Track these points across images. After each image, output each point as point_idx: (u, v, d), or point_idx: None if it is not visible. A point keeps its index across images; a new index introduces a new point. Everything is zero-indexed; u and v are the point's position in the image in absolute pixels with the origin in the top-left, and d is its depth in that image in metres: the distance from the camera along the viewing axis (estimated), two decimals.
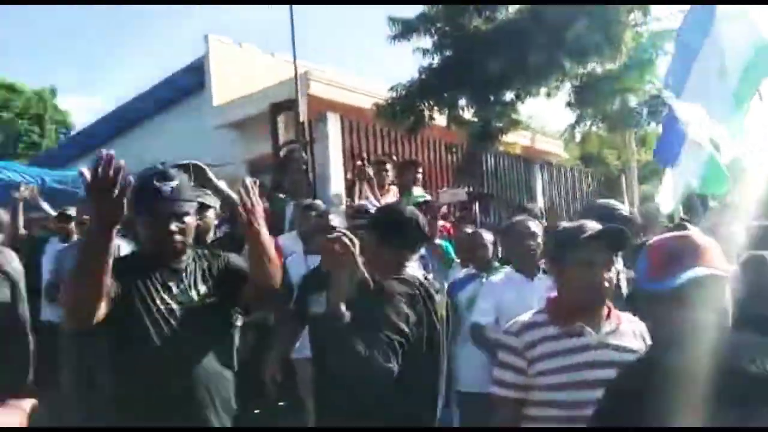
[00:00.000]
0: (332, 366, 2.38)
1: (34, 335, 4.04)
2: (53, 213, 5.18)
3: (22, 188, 4.96)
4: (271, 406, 4.21)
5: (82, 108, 47.49)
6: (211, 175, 2.85)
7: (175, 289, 1.94)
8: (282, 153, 6.08)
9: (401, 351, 1.96)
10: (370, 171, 4.78)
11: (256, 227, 1.89)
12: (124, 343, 1.91)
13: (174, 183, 1.92)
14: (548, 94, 7.77)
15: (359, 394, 2.10)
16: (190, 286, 1.97)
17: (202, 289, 1.99)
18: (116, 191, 1.54)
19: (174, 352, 1.87)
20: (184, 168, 2.45)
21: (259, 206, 1.91)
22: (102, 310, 1.76)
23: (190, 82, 10.85)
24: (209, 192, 3.04)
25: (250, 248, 1.95)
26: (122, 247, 4.14)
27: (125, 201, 1.58)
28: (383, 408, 2.06)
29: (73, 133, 19.06)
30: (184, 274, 1.98)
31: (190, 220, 2.00)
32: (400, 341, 1.96)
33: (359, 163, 5.02)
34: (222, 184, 2.96)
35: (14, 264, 3.41)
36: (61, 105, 25.75)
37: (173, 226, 1.92)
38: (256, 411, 4.23)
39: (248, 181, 1.91)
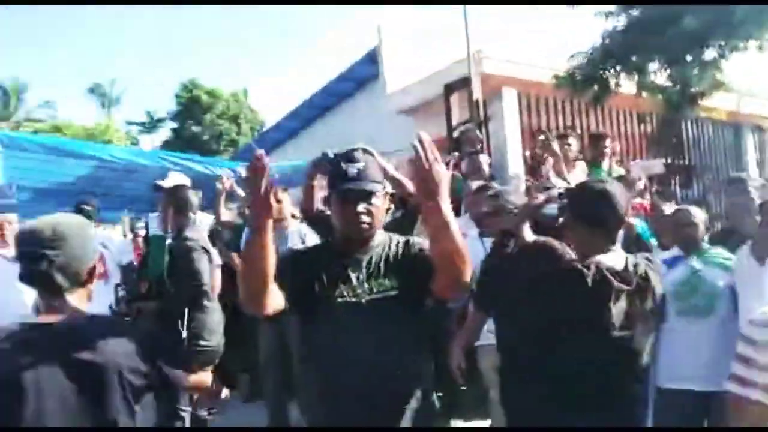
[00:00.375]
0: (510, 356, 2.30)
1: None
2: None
3: (224, 180, 5.42)
4: (454, 391, 4.14)
5: (272, 105, 51.91)
6: (379, 158, 2.80)
7: (354, 281, 1.89)
8: (456, 134, 5.95)
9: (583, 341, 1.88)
10: (556, 145, 4.44)
11: (435, 197, 1.59)
12: (305, 335, 1.93)
13: (360, 165, 1.92)
14: (759, 48, 6.69)
15: (538, 385, 2.04)
16: (371, 278, 1.90)
17: (385, 280, 1.90)
18: (263, 189, 1.59)
19: (346, 346, 1.83)
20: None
21: (440, 169, 1.60)
22: (277, 301, 1.77)
23: (365, 72, 11.16)
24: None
25: (429, 227, 1.75)
26: (307, 236, 4.33)
27: (271, 199, 1.62)
28: (559, 403, 1.99)
29: (264, 129, 20.74)
30: (367, 264, 1.92)
31: (378, 202, 1.93)
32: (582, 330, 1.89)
33: (543, 137, 4.69)
34: (390, 168, 2.91)
35: (206, 239, 3.80)
36: (253, 104, 28.33)
37: (360, 207, 1.88)
38: (439, 394, 4.19)
39: (423, 135, 1.59)
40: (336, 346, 1.86)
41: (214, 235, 5.19)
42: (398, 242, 1.99)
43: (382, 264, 1.92)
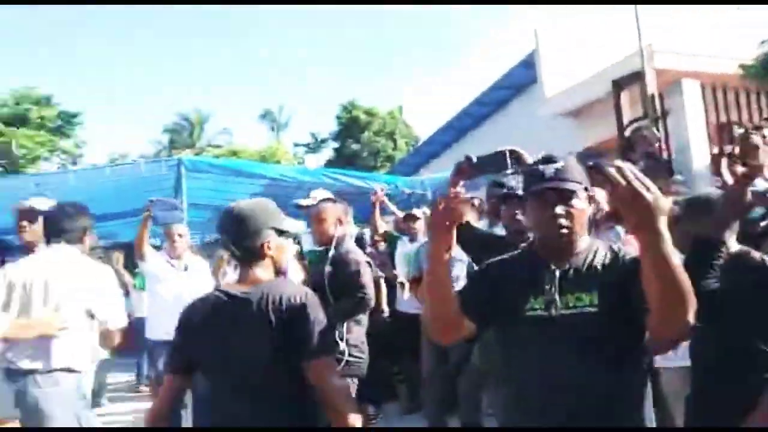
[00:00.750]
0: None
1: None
2: (401, 214, 5.68)
3: (377, 193, 5.50)
4: None
5: (426, 119, 52.92)
6: (529, 159, 2.58)
7: (548, 294, 1.67)
8: (627, 132, 5.45)
9: None
10: (758, 139, 3.84)
11: (650, 229, 1.27)
12: (500, 350, 1.80)
13: (558, 165, 1.72)
14: None
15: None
16: (567, 290, 1.66)
17: (584, 295, 1.64)
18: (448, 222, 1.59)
19: (533, 364, 1.65)
20: (501, 155, 2.28)
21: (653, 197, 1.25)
22: (466, 326, 1.72)
23: (522, 78, 10.86)
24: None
25: (643, 261, 1.39)
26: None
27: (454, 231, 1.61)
28: None
29: (418, 144, 21.06)
30: (564, 275, 1.69)
31: (580, 204, 1.70)
32: None
33: (742, 130, 4.09)
34: None
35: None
36: (408, 120, 28.97)
37: (559, 209, 1.68)
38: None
39: (623, 165, 1.28)
40: (523, 363, 1.70)
41: (358, 244, 5.26)
42: (605, 252, 1.73)
43: (583, 275, 1.68)
